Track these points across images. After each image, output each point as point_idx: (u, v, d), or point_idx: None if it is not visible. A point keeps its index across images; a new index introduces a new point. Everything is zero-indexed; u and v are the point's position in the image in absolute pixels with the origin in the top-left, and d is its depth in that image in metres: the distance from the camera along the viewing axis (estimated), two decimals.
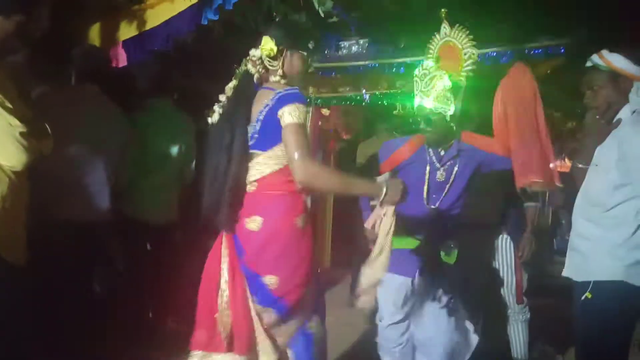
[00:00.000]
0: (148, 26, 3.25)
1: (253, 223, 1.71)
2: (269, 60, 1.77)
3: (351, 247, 4.15)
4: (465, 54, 2.18)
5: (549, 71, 3.29)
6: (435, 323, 2.37)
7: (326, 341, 1.83)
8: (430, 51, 2.31)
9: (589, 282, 1.94)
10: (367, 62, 3.82)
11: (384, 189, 1.66)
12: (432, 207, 2.32)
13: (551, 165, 2.11)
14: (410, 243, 2.34)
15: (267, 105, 1.69)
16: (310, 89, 4.23)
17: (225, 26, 3.12)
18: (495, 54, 3.34)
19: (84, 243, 2.36)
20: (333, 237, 5.15)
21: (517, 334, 2.91)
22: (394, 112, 4.36)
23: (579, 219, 2.04)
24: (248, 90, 1.80)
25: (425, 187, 2.30)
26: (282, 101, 1.66)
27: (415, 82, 2.24)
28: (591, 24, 3.02)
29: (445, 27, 2.26)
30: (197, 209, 2.44)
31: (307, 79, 1.92)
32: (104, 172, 2.48)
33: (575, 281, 2.02)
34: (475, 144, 2.27)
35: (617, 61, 1.92)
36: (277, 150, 1.70)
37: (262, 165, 1.72)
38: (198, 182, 2.95)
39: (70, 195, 2.34)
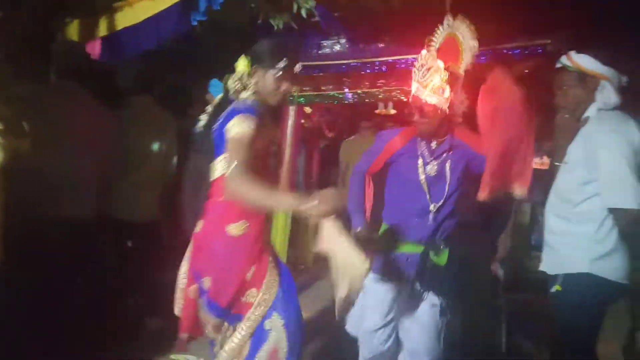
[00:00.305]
0: (128, 23, 3.23)
1: (198, 225, 1.89)
2: (244, 78, 1.90)
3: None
4: (465, 47, 2.18)
5: (526, 71, 3.34)
6: (422, 330, 2.31)
7: (295, 339, 1.84)
8: (433, 43, 2.26)
9: (560, 275, 2.04)
10: (349, 61, 3.84)
11: (313, 202, 1.58)
12: (435, 204, 2.24)
13: (525, 173, 2.13)
14: (409, 247, 2.28)
15: (223, 116, 1.83)
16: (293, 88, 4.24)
17: (208, 25, 3.12)
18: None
19: (68, 242, 2.35)
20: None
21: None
22: (376, 111, 4.40)
23: (551, 215, 2.12)
24: (225, 103, 1.93)
25: (425, 183, 2.24)
26: (231, 114, 1.78)
27: (413, 73, 2.21)
28: (567, 25, 3.09)
29: (448, 19, 2.24)
30: (179, 206, 2.46)
31: (283, 97, 1.93)
32: (87, 170, 2.47)
33: (549, 275, 2.10)
34: (467, 141, 2.25)
35: (584, 62, 2.00)
36: (221, 159, 1.82)
37: (212, 173, 1.87)
38: (180, 181, 2.98)
39: (53, 194, 2.33)
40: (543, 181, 2.24)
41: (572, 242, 2.01)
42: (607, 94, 1.97)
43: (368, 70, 3.77)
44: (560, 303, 2.04)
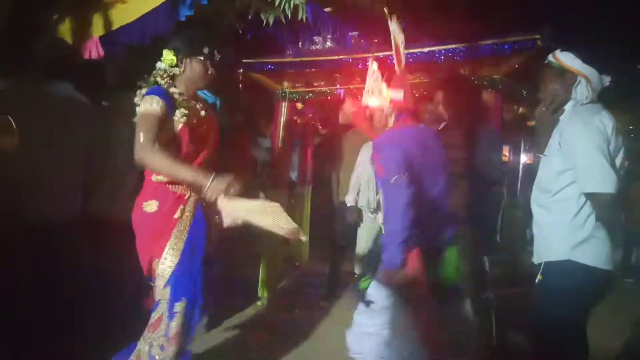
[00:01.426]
0: (120, 23, 3.22)
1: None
2: (171, 70, 2.12)
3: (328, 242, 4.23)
4: (401, 46, 2.36)
5: (516, 66, 3.35)
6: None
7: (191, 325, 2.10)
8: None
9: (542, 264, 2.08)
10: (340, 57, 3.84)
11: (209, 181, 1.95)
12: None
13: None
14: None
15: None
16: (285, 84, 4.24)
17: (197, 21, 3.12)
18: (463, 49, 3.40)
19: (53, 243, 2.30)
20: (311, 234, 5.21)
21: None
22: None
23: (534, 206, 2.19)
24: None
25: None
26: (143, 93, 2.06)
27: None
28: (556, 23, 3.12)
29: (390, 23, 2.38)
30: None
31: (211, 80, 2.18)
32: (75, 170, 2.44)
33: (534, 265, 2.15)
34: None
35: (566, 59, 2.10)
36: None
37: None
38: None
39: (40, 195, 2.29)
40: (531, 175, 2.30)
41: (552, 231, 2.07)
42: (580, 90, 2.07)
43: (360, 66, 3.76)
44: (543, 292, 2.08)
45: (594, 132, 1.96)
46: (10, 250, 2.09)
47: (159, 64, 2.13)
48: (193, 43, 2.14)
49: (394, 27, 2.38)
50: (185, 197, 2.12)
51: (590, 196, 1.97)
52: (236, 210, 2.07)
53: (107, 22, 3.25)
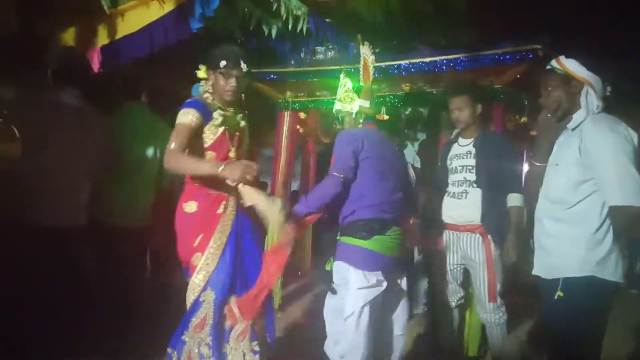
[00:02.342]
0: (123, 32, 3.25)
1: None
2: (205, 83, 2.32)
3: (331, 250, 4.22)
4: (370, 65, 2.70)
5: (518, 76, 3.37)
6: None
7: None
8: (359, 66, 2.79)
9: (559, 279, 1.99)
10: (342, 67, 3.86)
11: (221, 167, 2.09)
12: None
13: None
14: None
15: None
16: (288, 93, 4.27)
17: (202, 31, 3.15)
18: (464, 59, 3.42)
19: (59, 248, 2.33)
20: (313, 241, 5.21)
21: (492, 336, 2.92)
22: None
23: (543, 218, 2.10)
24: None
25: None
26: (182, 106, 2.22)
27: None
28: (556, 31, 3.13)
29: (362, 47, 2.74)
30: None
31: (233, 93, 2.30)
32: (82, 176, 2.47)
33: (544, 279, 2.06)
34: None
35: (572, 66, 2.04)
36: None
37: None
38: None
39: (47, 200, 2.32)
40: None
41: (569, 245, 1.99)
42: (591, 99, 2.02)
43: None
44: (563, 309, 1.98)
45: (622, 140, 1.88)
46: (16, 256, 2.11)
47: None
48: (212, 56, 2.28)
49: (365, 50, 2.72)
50: (226, 196, 2.28)
51: (617, 209, 1.87)
52: (253, 199, 2.21)
53: (111, 32, 3.28)
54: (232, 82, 2.26)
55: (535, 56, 3.21)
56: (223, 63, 2.23)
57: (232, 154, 2.30)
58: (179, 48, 3.12)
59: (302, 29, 3.22)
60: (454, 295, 3.00)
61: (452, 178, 2.99)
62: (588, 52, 2.08)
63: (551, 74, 2.10)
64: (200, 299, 2.20)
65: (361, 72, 2.74)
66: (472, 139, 2.94)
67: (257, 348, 2.29)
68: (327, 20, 3.41)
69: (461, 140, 3.02)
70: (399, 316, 2.58)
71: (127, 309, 2.82)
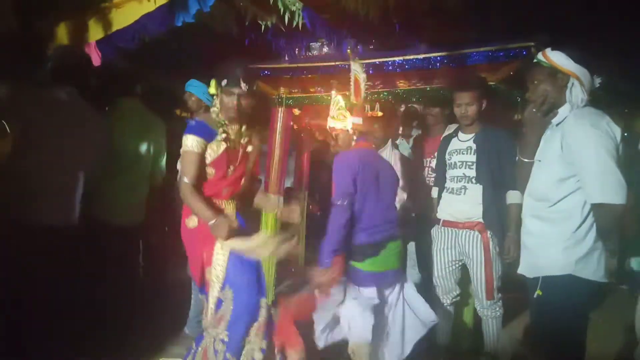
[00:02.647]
0: (117, 27, 3.23)
1: None
2: (215, 97, 2.37)
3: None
4: (361, 82, 2.73)
5: (511, 73, 3.38)
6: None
7: (241, 310, 2.26)
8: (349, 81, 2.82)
9: (540, 278, 1.98)
10: (337, 63, 3.86)
11: (212, 221, 2.20)
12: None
13: None
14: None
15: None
16: (282, 90, 4.26)
17: (196, 27, 3.13)
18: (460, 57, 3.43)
19: (53, 246, 2.31)
20: (307, 240, 5.22)
21: (487, 329, 2.93)
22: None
23: (526, 216, 2.08)
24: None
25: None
26: (186, 129, 2.30)
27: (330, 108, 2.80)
28: (551, 29, 3.14)
29: (352, 63, 2.77)
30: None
31: (237, 112, 2.33)
32: (78, 174, 2.45)
33: (528, 278, 2.05)
34: None
35: (556, 58, 2.00)
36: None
37: None
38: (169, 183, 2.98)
39: (41, 198, 2.29)
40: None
41: (550, 243, 1.96)
42: (575, 93, 1.97)
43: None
44: (543, 308, 1.98)
45: (603, 136, 1.84)
46: (11, 254, 2.09)
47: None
48: (218, 73, 2.33)
49: (356, 67, 2.75)
50: (222, 208, 2.37)
51: (598, 207, 1.84)
52: (238, 249, 2.26)
53: (105, 26, 3.26)
54: (234, 100, 2.30)
55: (528, 53, 3.21)
56: (224, 82, 2.29)
57: (230, 172, 2.37)
58: (173, 43, 3.11)
59: (297, 24, 3.22)
60: (450, 293, 3.00)
61: (450, 173, 2.96)
62: (584, 49, 2.03)
63: (537, 68, 2.07)
64: (222, 298, 2.27)
65: (352, 89, 2.79)
66: (473, 135, 2.92)
67: (264, 347, 2.31)
68: (323, 16, 3.40)
69: (461, 135, 2.99)
70: (398, 321, 2.64)
71: (121, 307, 2.82)
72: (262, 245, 2.24)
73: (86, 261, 2.71)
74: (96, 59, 3.15)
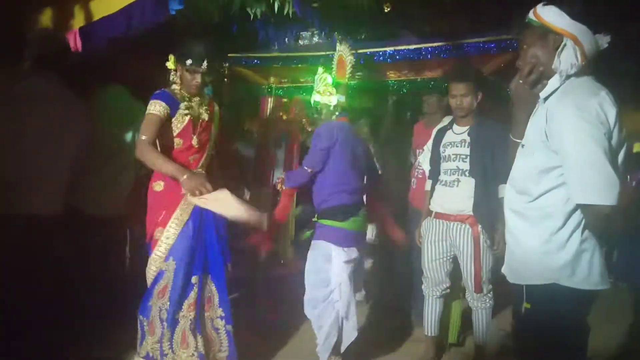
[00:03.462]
0: (103, 13, 3.16)
1: None
2: (174, 72, 2.52)
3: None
4: (347, 62, 3.08)
5: (502, 65, 3.35)
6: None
7: (179, 282, 2.43)
8: (332, 62, 3.23)
9: (522, 287, 1.68)
10: (327, 53, 3.80)
11: (184, 176, 2.34)
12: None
13: None
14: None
15: None
16: (272, 79, 4.20)
17: (185, 15, 3.08)
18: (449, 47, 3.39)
19: (37, 238, 2.27)
20: (297, 231, 5.20)
21: (477, 320, 2.92)
22: None
23: (506, 208, 1.76)
24: None
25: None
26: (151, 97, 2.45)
27: (314, 83, 3.06)
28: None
29: (338, 44, 3.17)
30: None
31: (197, 87, 2.51)
32: (59, 163, 2.39)
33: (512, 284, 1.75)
34: None
35: (548, 14, 1.61)
36: None
37: None
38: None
39: (24, 189, 2.25)
40: None
41: (531, 245, 1.64)
42: (565, 56, 1.57)
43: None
44: (531, 322, 1.67)
45: (591, 121, 1.47)
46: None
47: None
48: (179, 51, 2.47)
49: (342, 48, 3.10)
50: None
51: (584, 208, 1.52)
52: (200, 203, 2.42)
53: (88, 14, 3.19)
54: (197, 78, 2.46)
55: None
56: (189, 61, 2.42)
57: (194, 142, 2.51)
58: (158, 30, 3.05)
59: (287, 12, 3.16)
60: (440, 285, 2.99)
61: (444, 166, 2.94)
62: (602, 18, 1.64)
63: (527, 29, 1.68)
64: (163, 268, 2.42)
65: (335, 68, 3.04)
66: (467, 127, 2.90)
67: (223, 314, 2.53)
68: (313, 4, 3.34)
69: (456, 128, 2.96)
70: (357, 282, 3.04)
71: (107, 299, 2.78)
72: (227, 203, 2.42)
73: (71, 252, 2.67)
74: (76, 46, 3.08)
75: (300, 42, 4.08)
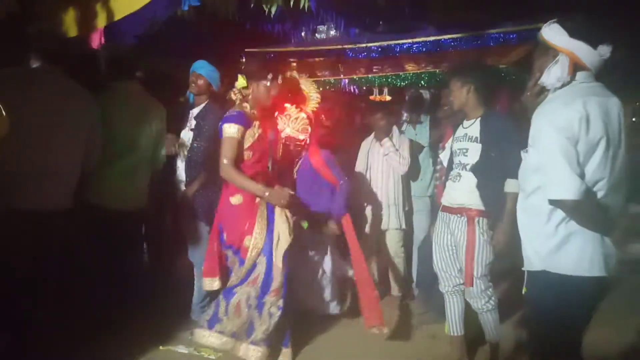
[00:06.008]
0: (123, 13, 3.18)
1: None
2: (242, 91, 2.75)
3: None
4: (311, 98, 3.34)
5: (523, 55, 3.28)
6: None
7: (270, 273, 2.69)
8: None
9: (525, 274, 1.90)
10: (344, 46, 3.79)
11: (267, 193, 2.63)
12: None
13: None
14: None
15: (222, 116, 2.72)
16: (288, 74, 4.19)
17: (198, 11, 3.08)
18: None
19: (48, 232, 2.28)
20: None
21: (484, 323, 2.87)
22: (370, 97, 4.35)
23: (517, 207, 1.97)
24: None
25: None
26: (225, 119, 2.64)
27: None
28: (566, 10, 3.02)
29: (301, 82, 3.36)
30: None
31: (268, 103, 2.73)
32: (70, 157, 2.40)
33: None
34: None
35: (548, 33, 1.78)
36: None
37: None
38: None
39: (34, 182, 2.25)
40: None
41: (527, 237, 1.88)
42: (553, 72, 1.76)
43: (363, 56, 3.71)
44: (530, 304, 1.91)
45: (556, 127, 1.68)
46: (3, 238, 2.08)
47: (236, 84, 2.78)
48: (248, 71, 2.71)
49: (306, 85, 3.37)
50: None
51: (554, 202, 1.73)
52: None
53: (109, 13, 3.21)
54: (274, 91, 2.70)
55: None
56: (270, 76, 2.66)
57: (263, 153, 2.73)
58: (175, 27, 3.07)
59: (303, 7, 3.15)
60: (449, 280, 2.94)
61: (454, 160, 2.94)
62: (602, 31, 1.75)
63: (538, 46, 1.86)
64: (257, 262, 2.68)
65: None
66: (473, 121, 2.87)
67: (281, 305, 2.69)
68: None
69: (465, 122, 2.95)
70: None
71: (124, 294, 2.81)
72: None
73: (87, 247, 2.69)
74: (97, 43, 3.11)
75: (317, 36, 4.06)
